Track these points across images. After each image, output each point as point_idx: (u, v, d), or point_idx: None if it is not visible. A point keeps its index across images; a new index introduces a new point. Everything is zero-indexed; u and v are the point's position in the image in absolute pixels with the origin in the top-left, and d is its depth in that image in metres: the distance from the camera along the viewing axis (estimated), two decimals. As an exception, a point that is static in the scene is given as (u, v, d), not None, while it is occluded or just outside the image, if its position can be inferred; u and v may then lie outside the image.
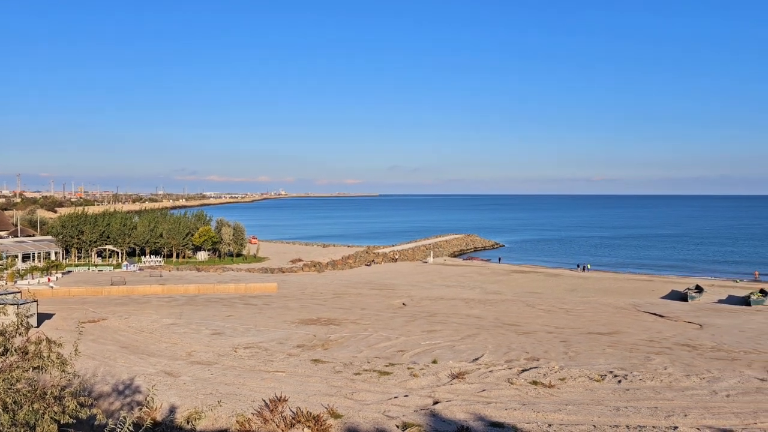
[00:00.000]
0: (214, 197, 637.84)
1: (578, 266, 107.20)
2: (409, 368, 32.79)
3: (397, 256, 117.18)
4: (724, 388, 30.87)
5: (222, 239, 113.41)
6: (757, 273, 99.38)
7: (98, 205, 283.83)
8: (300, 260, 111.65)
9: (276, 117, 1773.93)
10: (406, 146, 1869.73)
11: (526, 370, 33.62)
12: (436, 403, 26.02)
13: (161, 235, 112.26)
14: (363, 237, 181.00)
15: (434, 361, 35.78)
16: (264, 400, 22.34)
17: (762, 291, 73.53)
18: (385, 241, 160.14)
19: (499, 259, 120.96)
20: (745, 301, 68.52)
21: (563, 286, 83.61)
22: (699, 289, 76.00)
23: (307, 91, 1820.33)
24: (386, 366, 33.43)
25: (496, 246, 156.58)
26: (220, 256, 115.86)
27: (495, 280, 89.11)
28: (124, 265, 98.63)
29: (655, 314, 60.23)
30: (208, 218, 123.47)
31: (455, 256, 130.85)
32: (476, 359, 37.56)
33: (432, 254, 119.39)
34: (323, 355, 36.77)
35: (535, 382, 30.53)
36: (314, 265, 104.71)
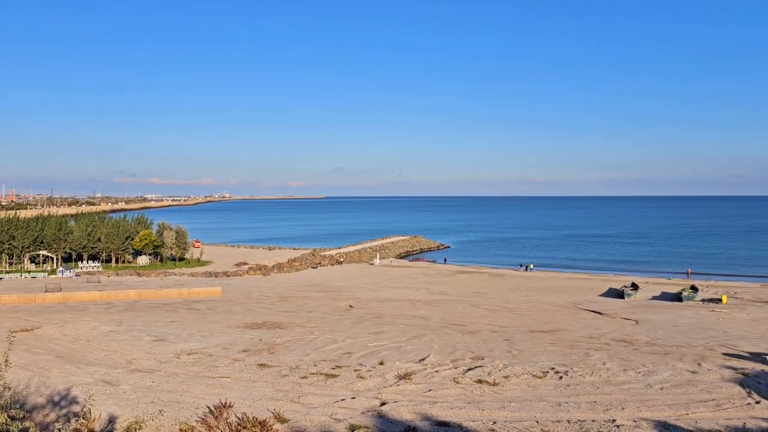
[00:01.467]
0: (155, 200, 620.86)
1: (521, 266, 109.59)
2: (356, 370, 32.81)
3: (342, 259, 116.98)
4: (658, 381, 32.22)
5: (164, 243, 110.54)
6: (689, 270, 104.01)
7: (31, 208, 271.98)
8: (245, 263, 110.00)
9: (219, 119, 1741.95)
10: (353, 148, 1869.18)
11: (471, 369, 34.18)
12: (383, 404, 26.12)
13: (99, 240, 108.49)
14: (309, 239, 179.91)
15: (381, 363, 35.92)
16: (208, 407, 21.94)
17: (693, 287, 77.08)
18: (332, 243, 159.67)
19: (445, 260, 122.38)
20: (678, 298, 71.65)
21: (507, 285, 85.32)
22: (635, 287, 78.98)
23: (250, 92, 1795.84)
24: (333, 369, 33.34)
25: (441, 247, 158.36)
26: (162, 260, 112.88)
27: (440, 280, 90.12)
28: (60, 271, 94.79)
29: (594, 312, 62.21)
30: (149, 222, 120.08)
31: (401, 258, 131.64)
32: (422, 360, 37.91)
33: (378, 256, 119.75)
34: (269, 359, 36.36)
35: (480, 381, 31.08)
36: (260, 269, 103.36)
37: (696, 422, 25.38)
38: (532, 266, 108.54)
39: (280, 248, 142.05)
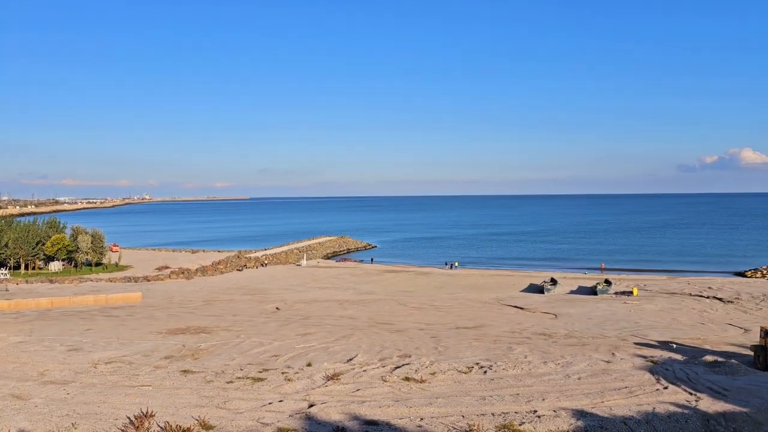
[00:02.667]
0: (68, 203, 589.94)
1: (446, 264, 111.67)
2: (283, 373, 32.47)
3: (266, 261, 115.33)
4: (576, 371, 33.69)
5: (79, 248, 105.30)
6: (603, 264, 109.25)
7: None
8: (167, 267, 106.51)
9: (137, 118, 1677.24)
10: (279, 148, 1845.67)
11: (398, 367, 34.54)
12: (311, 406, 25.99)
13: (6, 245, 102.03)
14: (234, 241, 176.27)
15: (309, 364, 35.71)
16: (128, 418, 21.12)
17: (606, 281, 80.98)
18: (258, 245, 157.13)
19: (372, 260, 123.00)
20: (593, 291, 75.11)
21: (433, 283, 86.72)
22: (554, 282, 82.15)
23: (171, 91, 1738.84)
24: (260, 372, 32.85)
25: (368, 247, 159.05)
26: (76, 266, 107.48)
27: (368, 280, 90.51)
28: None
29: (516, 307, 64.25)
30: (62, 225, 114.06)
31: (328, 258, 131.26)
32: (350, 359, 37.97)
33: (305, 257, 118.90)
34: (193, 365, 35.39)
35: (407, 378, 31.46)
36: (182, 272, 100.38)
37: (611, 409, 26.72)
38: (457, 264, 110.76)
39: (204, 251, 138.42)
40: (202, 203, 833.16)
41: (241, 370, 33.71)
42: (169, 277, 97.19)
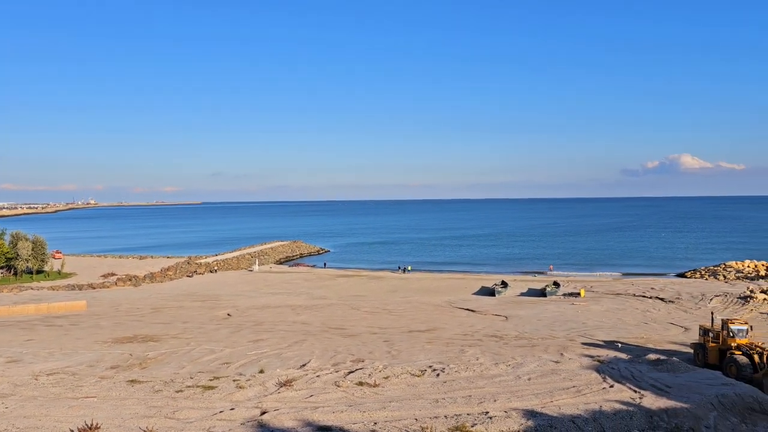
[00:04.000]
0: (7, 208, 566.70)
1: (399, 268, 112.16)
2: (235, 380, 31.98)
3: (216, 267, 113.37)
4: (526, 372, 34.34)
5: (18, 255, 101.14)
6: (551, 267, 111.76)
7: None
8: (113, 274, 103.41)
9: (82, 120, 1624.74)
10: (230, 152, 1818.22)
11: (352, 371, 34.49)
12: (263, 413, 25.69)
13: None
14: (184, 247, 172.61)
15: (261, 371, 35.28)
16: (72, 431, 20.43)
17: (555, 283, 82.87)
18: (209, 250, 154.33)
19: (325, 264, 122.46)
20: (542, 293, 76.74)
21: (386, 287, 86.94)
22: (504, 285, 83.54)
23: (117, 93, 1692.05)
24: (211, 380, 32.26)
25: (321, 251, 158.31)
26: (16, 273, 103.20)
27: (321, 285, 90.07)
28: None
29: (468, 309, 65.04)
30: (0, 231, 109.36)
31: (281, 263, 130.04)
32: (304, 365, 37.70)
33: (257, 262, 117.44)
34: (141, 374, 34.48)
35: (361, 383, 31.45)
36: (130, 279, 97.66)
37: (559, 408, 27.35)
38: (409, 268, 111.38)
39: (152, 257, 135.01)
40: (151, 208, 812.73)
41: (191, 378, 33.04)
42: (116, 284, 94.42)
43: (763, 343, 38.75)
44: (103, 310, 65.94)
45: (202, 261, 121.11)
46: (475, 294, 79.88)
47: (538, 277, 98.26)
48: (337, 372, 34.59)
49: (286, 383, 30.67)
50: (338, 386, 30.69)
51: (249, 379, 32.28)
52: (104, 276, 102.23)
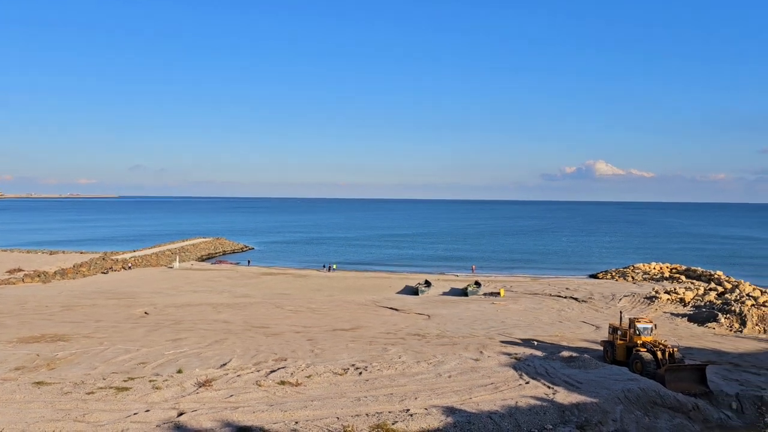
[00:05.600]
0: None
1: (325, 266, 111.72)
2: (151, 381, 30.95)
3: (131, 264, 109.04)
4: (446, 370, 35.09)
5: None
6: (474, 267, 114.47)
7: None
8: (20, 270, 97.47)
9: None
10: (151, 145, 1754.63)
11: (274, 371, 34.13)
12: (181, 414, 25.03)
13: None
14: (99, 242, 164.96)
15: (179, 371, 34.31)
16: (-30, 436, 19.18)
17: (476, 283, 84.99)
18: (126, 246, 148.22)
19: (249, 262, 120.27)
20: (464, 292, 78.51)
21: (310, 286, 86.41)
22: (428, 284, 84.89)
23: (27, 76, 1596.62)
24: (125, 381, 31.08)
25: (245, 249, 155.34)
26: None
27: (244, 283, 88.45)
28: None
29: (391, 308, 65.66)
30: None
31: (203, 260, 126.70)
32: (224, 365, 36.96)
33: (178, 259, 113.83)
34: (48, 375, 32.74)
35: (283, 382, 31.18)
36: (38, 275, 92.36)
37: (478, 405, 28.14)
38: (335, 266, 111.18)
39: (64, 252, 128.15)
40: (63, 201, 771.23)
41: (104, 379, 31.70)
42: (23, 280, 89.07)
43: (665, 341, 41.25)
44: (7, 307, 62.06)
45: (119, 257, 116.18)
46: (399, 293, 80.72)
47: (461, 276, 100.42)
48: (258, 371, 34.15)
49: (205, 383, 30.00)
50: (259, 386, 30.31)
51: (166, 380, 31.34)
52: (10, 272, 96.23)
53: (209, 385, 29.74)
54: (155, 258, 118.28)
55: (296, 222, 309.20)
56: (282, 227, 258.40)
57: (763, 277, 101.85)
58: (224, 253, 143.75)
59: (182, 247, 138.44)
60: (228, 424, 24.00)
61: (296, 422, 24.61)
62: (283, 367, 35.06)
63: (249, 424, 24.22)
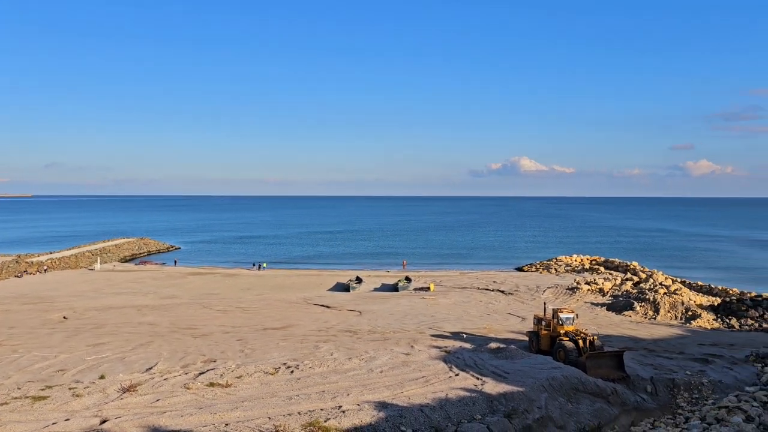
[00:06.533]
0: None
1: (254, 265, 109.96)
2: (71, 388, 29.62)
3: (46, 267, 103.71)
4: (378, 365, 35.37)
5: None
6: (405, 262, 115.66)
7: None
8: None
9: None
10: (68, 142, 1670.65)
11: (203, 372, 33.39)
12: (103, 422, 24.11)
13: None
14: (12, 244, 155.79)
15: (102, 377, 33.01)
16: None
17: (407, 278, 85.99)
18: (42, 247, 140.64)
19: (175, 262, 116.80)
20: (395, 288, 79.26)
21: (240, 285, 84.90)
22: (359, 280, 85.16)
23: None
24: (42, 390, 29.61)
25: (171, 248, 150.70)
26: None
27: (170, 283, 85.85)
28: None
29: (323, 306, 65.49)
30: None
31: (127, 261, 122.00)
32: (150, 368, 35.83)
33: (99, 260, 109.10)
34: (-43, 387, 30.74)
35: (212, 384, 30.55)
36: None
37: (409, 398, 28.54)
38: (265, 265, 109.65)
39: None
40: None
41: (19, 389, 30.07)
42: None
43: (586, 329, 43.15)
44: None
45: (34, 260, 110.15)
46: (330, 290, 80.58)
47: (392, 272, 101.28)
48: (186, 374, 33.33)
49: (129, 388, 29.01)
50: (188, 388, 29.59)
51: (87, 387, 30.08)
52: None
53: (134, 390, 28.77)
54: (74, 260, 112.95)
55: (224, 220, 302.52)
56: (209, 226, 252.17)
57: (674, 267, 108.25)
58: (149, 254, 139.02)
59: (104, 247, 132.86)
60: (155, 430, 23.32)
61: (227, 424, 24.20)
62: (212, 369, 34.36)
63: (177, 428, 23.62)
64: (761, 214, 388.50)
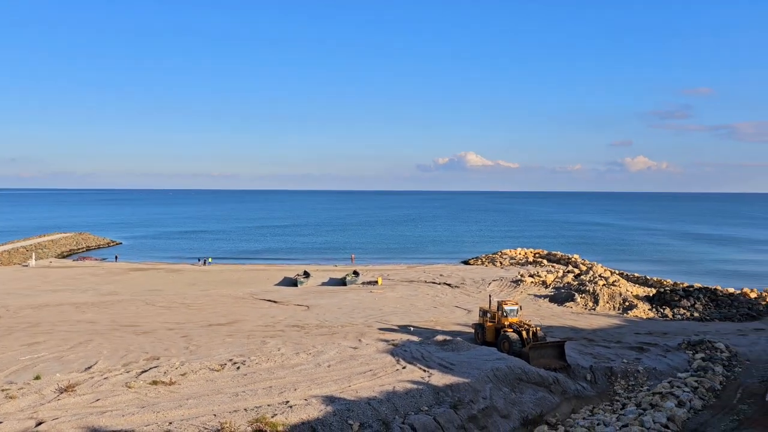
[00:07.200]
0: None
1: (199, 260, 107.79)
2: (4, 390, 28.42)
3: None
4: (326, 359, 35.34)
5: None
6: (353, 256, 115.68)
7: None
8: None
9: None
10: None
11: (145, 371, 32.60)
12: (39, 423, 23.27)
13: None
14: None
15: (37, 377, 31.79)
16: None
17: (355, 272, 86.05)
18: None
19: (116, 258, 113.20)
20: (342, 282, 79.21)
21: (184, 280, 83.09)
22: (307, 275, 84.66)
23: None
24: (-27, 392, 28.26)
25: (112, 244, 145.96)
26: None
27: (111, 280, 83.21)
28: None
29: (270, 301, 64.86)
30: None
31: (64, 257, 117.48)
32: (89, 368, 34.74)
33: (34, 256, 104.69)
34: None
35: (155, 382, 29.86)
36: None
37: (357, 392, 28.65)
38: (210, 260, 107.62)
39: None
40: None
41: (-53, 391, 28.62)
42: None
43: (530, 321, 44.28)
44: None
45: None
46: (277, 285, 79.85)
47: (340, 266, 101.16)
48: (128, 372, 32.47)
49: (67, 388, 28.06)
50: (129, 387, 28.86)
51: (22, 388, 28.92)
52: None
53: (72, 391, 27.84)
54: (7, 256, 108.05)
55: (167, 214, 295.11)
56: (152, 220, 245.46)
57: (613, 259, 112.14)
58: (88, 249, 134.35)
59: (39, 243, 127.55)
60: (94, 431, 22.66)
61: (170, 423, 23.74)
62: (155, 367, 33.57)
63: (118, 428, 23.01)
64: (693, 209, 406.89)
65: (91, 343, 42.61)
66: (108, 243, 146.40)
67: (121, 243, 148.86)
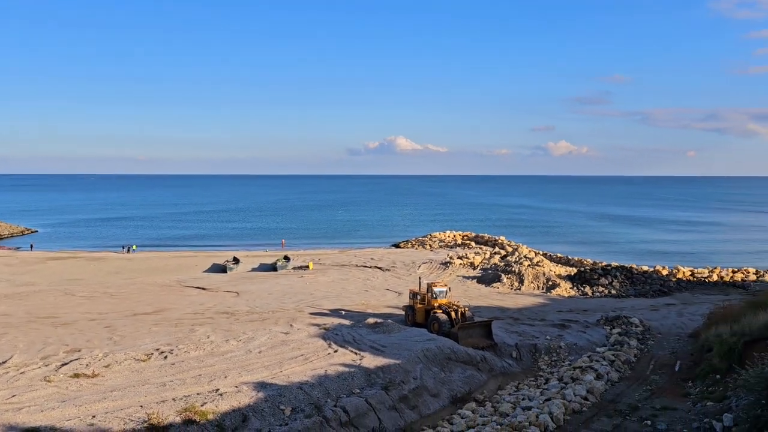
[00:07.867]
0: None
1: (123, 247, 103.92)
2: None
3: None
4: (256, 346, 35.06)
5: None
6: (283, 241, 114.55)
7: None
8: None
9: None
10: None
11: (66, 363, 31.35)
12: (-51, 423, 21.99)
13: None
14: None
15: (-54, 375, 29.95)
16: None
17: (286, 257, 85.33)
18: None
19: (31, 246, 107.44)
20: (273, 267, 78.40)
21: (107, 269, 79.91)
22: (236, 261, 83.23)
23: None
24: None
25: (26, 232, 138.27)
26: None
27: (26, 270, 78.97)
28: None
29: (198, 288, 63.47)
30: None
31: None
32: (3, 363, 33.03)
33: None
34: None
35: (76, 375, 28.81)
36: None
37: (288, 377, 28.64)
38: (135, 247, 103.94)
39: None
40: None
41: None
42: None
43: (458, 302, 45.39)
44: None
45: None
46: (206, 271, 78.15)
47: (270, 251, 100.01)
48: (46, 366, 31.15)
49: (-20, 385, 26.65)
50: (48, 381, 27.71)
51: (-72, 386, 27.22)
52: None
53: (-14, 387, 26.46)
54: None
55: (88, 200, 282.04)
56: (71, 207, 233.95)
57: (537, 241, 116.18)
58: (0, 238, 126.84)
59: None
60: (11, 428, 21.66)
61: (93, 416, 23.01)
62: (76, 359, 32.33)
63: (37, 424, 22.10)
64: (611, 191, 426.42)
65: (5, 336, 40.48)
66: (22, 231, 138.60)
67: (36, 231, 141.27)
